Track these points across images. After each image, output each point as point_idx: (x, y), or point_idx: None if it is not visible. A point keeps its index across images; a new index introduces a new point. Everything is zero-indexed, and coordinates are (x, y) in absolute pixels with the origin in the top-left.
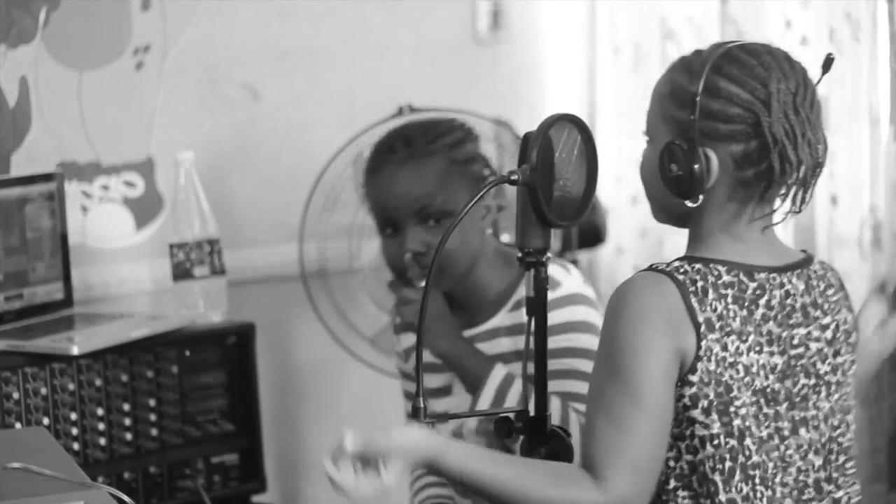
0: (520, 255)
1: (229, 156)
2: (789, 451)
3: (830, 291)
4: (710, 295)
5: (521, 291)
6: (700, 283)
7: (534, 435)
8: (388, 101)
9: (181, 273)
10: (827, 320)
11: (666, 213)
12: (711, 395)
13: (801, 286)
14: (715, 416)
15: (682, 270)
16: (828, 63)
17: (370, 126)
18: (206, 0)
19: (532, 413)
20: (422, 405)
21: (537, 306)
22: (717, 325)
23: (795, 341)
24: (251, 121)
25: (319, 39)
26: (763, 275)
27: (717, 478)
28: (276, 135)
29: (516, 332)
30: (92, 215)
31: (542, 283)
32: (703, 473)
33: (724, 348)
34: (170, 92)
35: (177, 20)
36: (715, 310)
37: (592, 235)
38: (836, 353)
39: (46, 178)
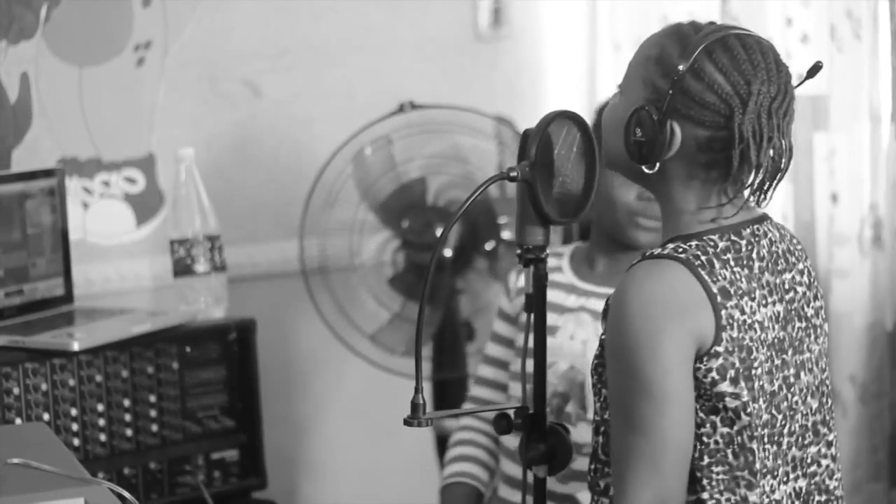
0: (519, 251)
1: (230, 152)
2: (795, 398)
3: (795, 240)
4: (717, 264)
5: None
6: (703, 257)
7: (533, 431)
8: (389, 97)
9: (182, 269)
10: (801, 266)
11: (619, 167)
12: (737, 363)
13: (777, 234)
14: (742, 384)
15: (680, 250)
16: (814, 70)
17: (371, 123)
18: None
19: (531, 410)
20: (421, 402)
21: (537, 302)
22: (732, 291)
23: (786, 286)
24: (252, 117)
25: (320, 36)
26: (748, 230)
27: (754, 445)
28: (277, 131)
29: None
30: (93, 211)
31: (541, 280)
32: (740, 444)
33: (742, 311)
34: (171, 88)
35: (178, 17)
36: (725, 277)
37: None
38: (815, 297)
39: (47, 174)
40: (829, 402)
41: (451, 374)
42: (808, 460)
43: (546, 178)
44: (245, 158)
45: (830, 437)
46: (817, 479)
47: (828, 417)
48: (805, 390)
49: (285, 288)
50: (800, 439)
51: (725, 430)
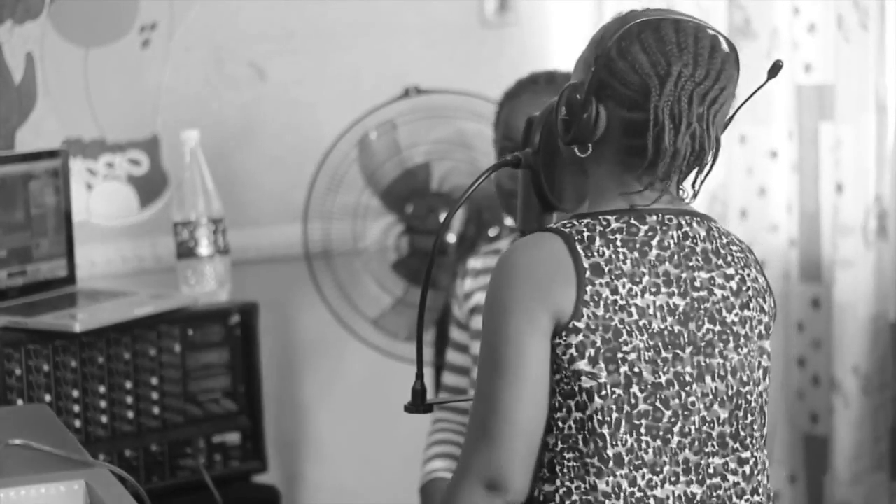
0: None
1: (235, 135)
2: (692, 399)
3: (734, 248)
4: (597, 242)
5: None
6: (587, 234)
7: None
8: (395, 82)
9: (185, 252)
10: (731, 271)
11: (563, 157)
12: (598, 342)
13: (703, 232)
14: (602, 365)
15: (567, 225)
16: (774, 69)
17: (376, 107)
18: None
19: None
20: (421, 388)
21: None
22: (606, 269)
23: (697, 283)
24: (257, 100)
25: (326, 20)
26: (655, 217)
27: (605, 431)
28: (282, 115)
29: None
30: (96, 192)
31: None
32: (590, 429)
33: (615, 291)
34: (176, 70)
35: None
36: (602, 255)
37: None
38: (744, 307)
39: (51, 154)
40: (749, 418)
41: None
42: (710, 470)
43: (549, 165)
44: (250, 141)
45: (745, 455)
46: (720, 492)
47: (742, 433)
48: (711, 396)
49: (288, 271)
50: (696, 443)
51: (578, 415)
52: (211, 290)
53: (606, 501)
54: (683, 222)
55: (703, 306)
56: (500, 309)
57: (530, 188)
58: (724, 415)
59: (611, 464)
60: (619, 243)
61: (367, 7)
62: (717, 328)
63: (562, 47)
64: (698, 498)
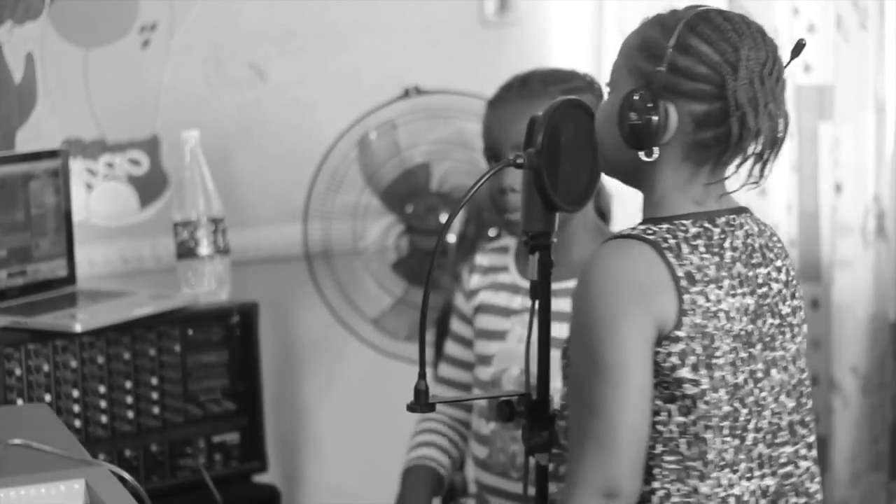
0: (524, 238)
1: (235, 135)
2: (763, 394)
3: (775, 238)
4: (685, 249)
5: None
6: (672, 241)
7: (536, 419)
8: (395, 82)
9: (185, 252)
10: (779, 263)
11: (617, 166)
12: (698, 349)
13: (756, 228)
14: (703, 372)
15: (649, 232)
16: (798, 48)
17: (376, 107)
18: None
19: (534, 397)
20: (423, 388)
21: (542, 290)
22: (698, 277)
23: (760, 280)
24: (257, 100)
25: (326, 20)
26: (723, 218)
27: (708, 435)
28: (282, 115)
29: None
30: (96, 193)
31: (546, 267)
32: (694, 433)
33: (707, 298)
34: (176, 70)
35: None
36: (692, 262)
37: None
38: (793, 296)
39: (51, 154)
40: (809, 403)
41: None
42: (783, 460)
43: (552, 166)
44: (250, 141)
45: (811, 440)
46: (793, 479)
47: (807, 419)
48: (778, 388)
49: (288, 271)
50: (769, 436)
51: (681, 418)
52: (211, 290)
53: (706, 502)
54: (743, 221)
55: (766, 302)
56: (600, 319)
57: (533, 188)
58: (791, 404)
59: (710, 466)
60: (702, 249)
61: (367, 7)
62: (777, 321)
63: (562, 47)
64: (772, 489)
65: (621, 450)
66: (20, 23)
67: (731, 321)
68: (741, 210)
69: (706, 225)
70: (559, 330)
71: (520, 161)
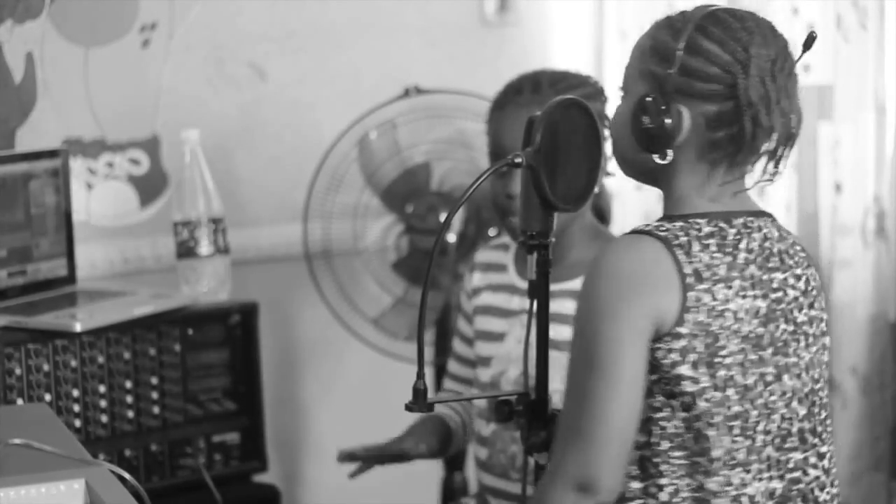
0: (522, 238)
1: (235, 135)
2: (773, 398)
3: (798, 247)
4: (695, 247)
5: None
6: (683, 238)
7: (534, 418)
8: (395, 82)
9: (185, 251)
10: (799, 271)
11: (634, 168)
12: (700, 347)
13: (776, 233)
14: (704, 370)
15: (662, 228)
16: (809, 41)
17: (376, 107)
18: None
19: (533, 396)
20: (422, 387)
21: (540, 289)
22: (706, 276)
23: (775, 285)
24: (257, 100)
25: (326, 20)
26: (740, 220)
27: (711, 432)
28: (282, 114)
29: None
30: (96, 192)
31: (544, 267)
32: (697, 430)
33: (714, 297)
34: (176, 70)
35: None
36: (701, 260)
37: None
38: (811, 306)
39: (51, 154)
40: (823, 413)
41: None
42: (791, 465)
43: (551, 165)
44: (250, 141)
45: (824, 449)
46: (801, 486)
47: (819, 428)
48: (790, 394)
49: (288, 271)
50: (778, 440)
51: (684, 414)
52: (211, 290)
53: (713, 500)
54: (762, 224)
55: (779, 307)
56: (598, 310)
57: (531, 188)
58: (802, 411)
59: (716, 464)
60: (713, 248)
61: (367, 7)
62: (791, 328)
63: (562, 47)
64: (779, 492)
65: (601, 444)
66: (20, 22)
67: (739, 322)
68: (762, 214)
69: (721, 224)
70: (557, 331)
71: (518, 160)
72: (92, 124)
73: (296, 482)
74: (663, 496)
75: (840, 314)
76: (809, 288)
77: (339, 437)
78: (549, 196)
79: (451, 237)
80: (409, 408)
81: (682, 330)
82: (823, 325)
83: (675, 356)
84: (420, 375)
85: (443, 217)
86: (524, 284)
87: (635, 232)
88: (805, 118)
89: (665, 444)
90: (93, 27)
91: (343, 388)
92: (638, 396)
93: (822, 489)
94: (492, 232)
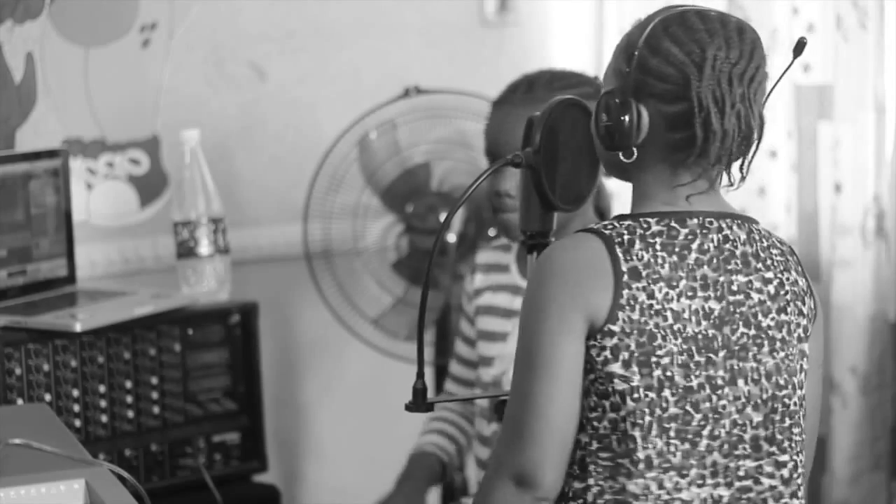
0: (522, 238)
1: (235, 135)
2: (723, 402)
3: (775, 251)
4: (637, 245)
5: None
6: (626, 236)
7: None
8: (395, 82)
9: (185, 251)
10: (770, 275)
11: (608, 166)
12: (633, 346)
13: (743, 235)
14: (635, 368)
15: (608, 227)
16: (799, 47)
17: (376, 107)
18: None
19: None
20: (422, 387)
21: None
22: (644, 274)
23: (734, 287)
24: (257, 100)
25: (326, 19)
26: (696, 220)
27: (636, 433)
28: (282, 114)
29: None
30: (96, 192)
31: None
32: (623, 430)
33: (651, 296)
34: (176, 70)
35: None
36: (641, 258)
37: (598, 218)
38: (782, 311)
39: (51, 154)
40: (787, 421)
41: None
42: (741, 473)
43: (550, 165)
44: (250, 141)
45: (783, 459)
46: (751, 495)
47: (780, 437)
48: (744, 400)
49: (288, 271)
50: (727, 446)
51: (612, 415)
52: (211, 290)
53: (634, 502)
54: (724, 225)
55: (738, 310)
56: (535, 308)
57: (531, 188)
58: (757, 418)
59: (640, 466)
60: (658, 247)
61: (367, 7)
62: (752, 332)
63: (562, 47)
64: (725, 500)
65: (538, 441)
66: (20, 22)
67: (681, 322)
68: (728, 215)
69: (672, 224)
70: None
71: (517, 160)
72: (92, 124)
73: (296, 482)
74: (589, 497)
75: (840, 314)
76: (782, 292)
77: (339, 437)
78: (550, 196)
79: (451, 237)
80: (408, 408)
81: (615, 327)
82: (800, 330)
83: (607, 354)
84: (420, 375)
85: (443, 217)
86: (525, 283)
87: (582, 230)
88: (805, 118)
89: (595, 445)
90: (93, 27)
91: (343, 388)
92: (576, 394)
93: (777, 500)
94: (492, 232)
